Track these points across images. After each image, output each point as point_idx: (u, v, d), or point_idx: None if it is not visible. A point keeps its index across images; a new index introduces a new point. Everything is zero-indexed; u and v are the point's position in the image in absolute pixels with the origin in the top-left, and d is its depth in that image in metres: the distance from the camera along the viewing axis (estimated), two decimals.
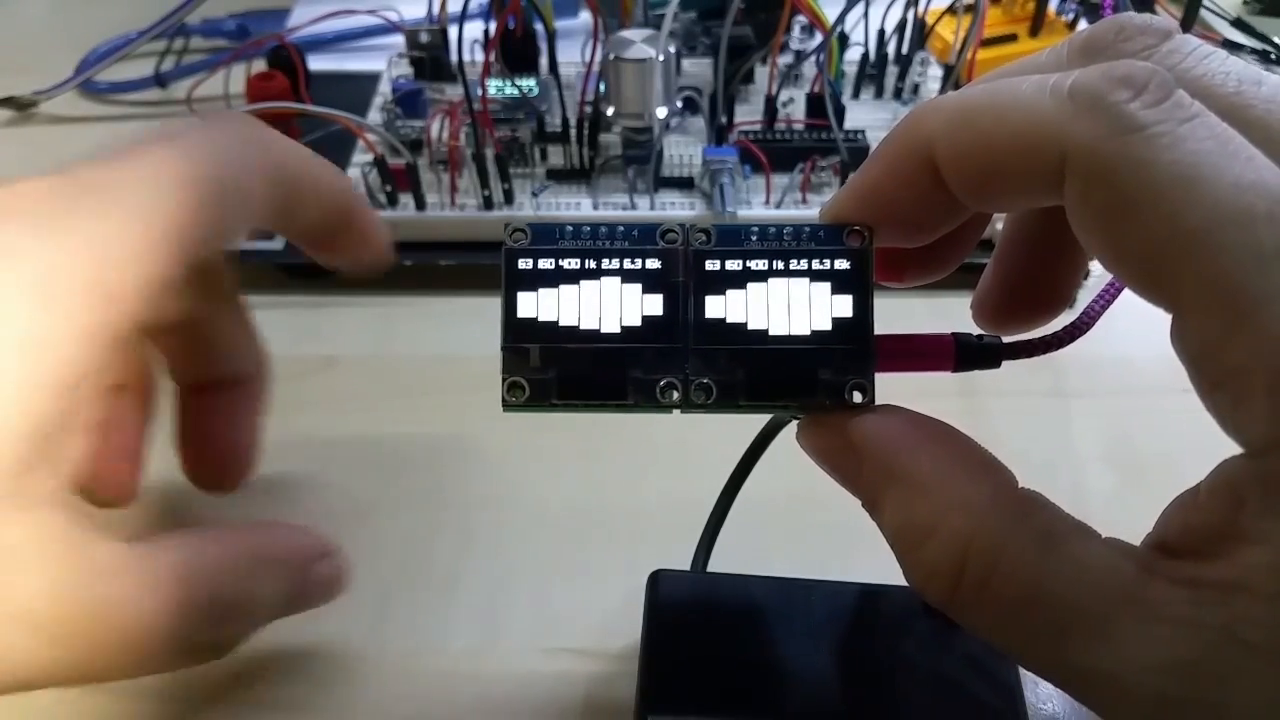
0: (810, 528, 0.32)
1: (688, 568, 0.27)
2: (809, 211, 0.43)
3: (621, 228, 0.19)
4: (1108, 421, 0.36)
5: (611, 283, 0.19)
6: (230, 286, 0.26)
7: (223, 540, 0.22)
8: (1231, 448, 0.15)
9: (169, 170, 0.20)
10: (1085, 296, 0.21)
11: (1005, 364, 0.20)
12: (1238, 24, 0.56)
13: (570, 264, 0.19)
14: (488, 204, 0.42)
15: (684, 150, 0.45)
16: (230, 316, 0.27)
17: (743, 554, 0.27)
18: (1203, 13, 0.53)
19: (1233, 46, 0.55)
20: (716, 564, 0.27)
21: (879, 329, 0.19)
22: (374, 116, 0.47)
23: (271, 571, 0.23)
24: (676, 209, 0.43)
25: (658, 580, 0.27)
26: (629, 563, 0.28)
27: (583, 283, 0.19)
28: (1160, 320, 0.15)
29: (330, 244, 0.26)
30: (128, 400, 0.26)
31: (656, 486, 0.34)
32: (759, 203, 0.43)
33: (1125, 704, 0.15)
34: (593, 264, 0.19)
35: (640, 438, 0.35)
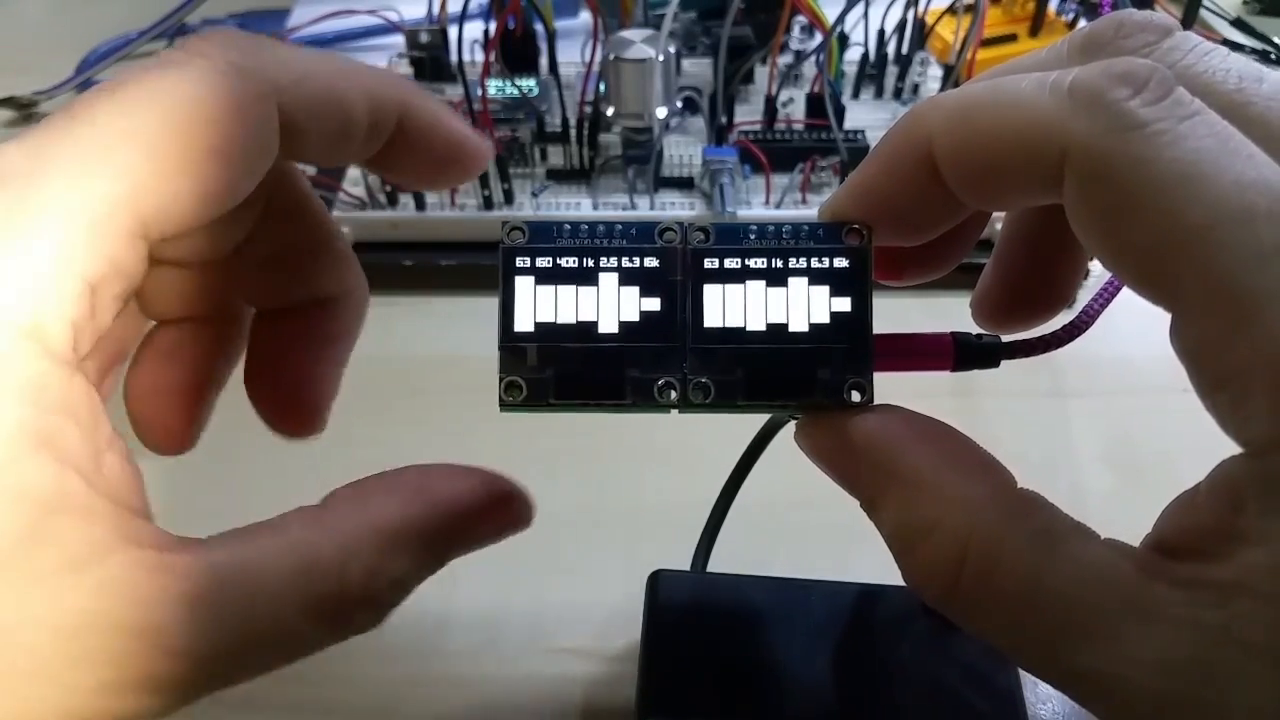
0: (809, 528, 0.32)
1: (687, 568, 0.27)
2: (809, 211, 0.43)
3: (620, 226, 0.19)
4: (1107, 421, 0.36)
5: (609, 281, 0.18)
6: (297, 205, 0.22)
7: (333, 528, 0.18)
8: (1232, 447, 0.15)
9: (118, 137, 0.16)
10: (1084, 296, 0.21)
11: (1004, 363, 0.20)
12: (1237, 24, 0.56)
13: (568, 263, 0.19)
14: (488, 204, 0.43)
15: (684, 150, 0.45)
16: (302, 235, 0.22)
17: (742, 554, 0.27)
18: (1202, 12, 0.53)
19: (1232, 46, 0.54)
20: (716, 564, 0.27)
21: (877, 328, 0.19)
22: None
23: (400, 549, 0.18)
24: (676, 209, 0.43)
25: (658, 580, 0.27)
26: (629, 563, 0.28)
27: (580, 281, 0.19)
28: (1160, 320, 0.15)
29: (396, 159, 0.21)
30: (195, 334, 0.22)
31: (656, 486, 0.34)
32: (759, 203, 0.43)
33: (1123, 704, 0.15)
34: (591, 263, 0.19)
35: (640, 438, 0.35)
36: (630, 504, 0.34)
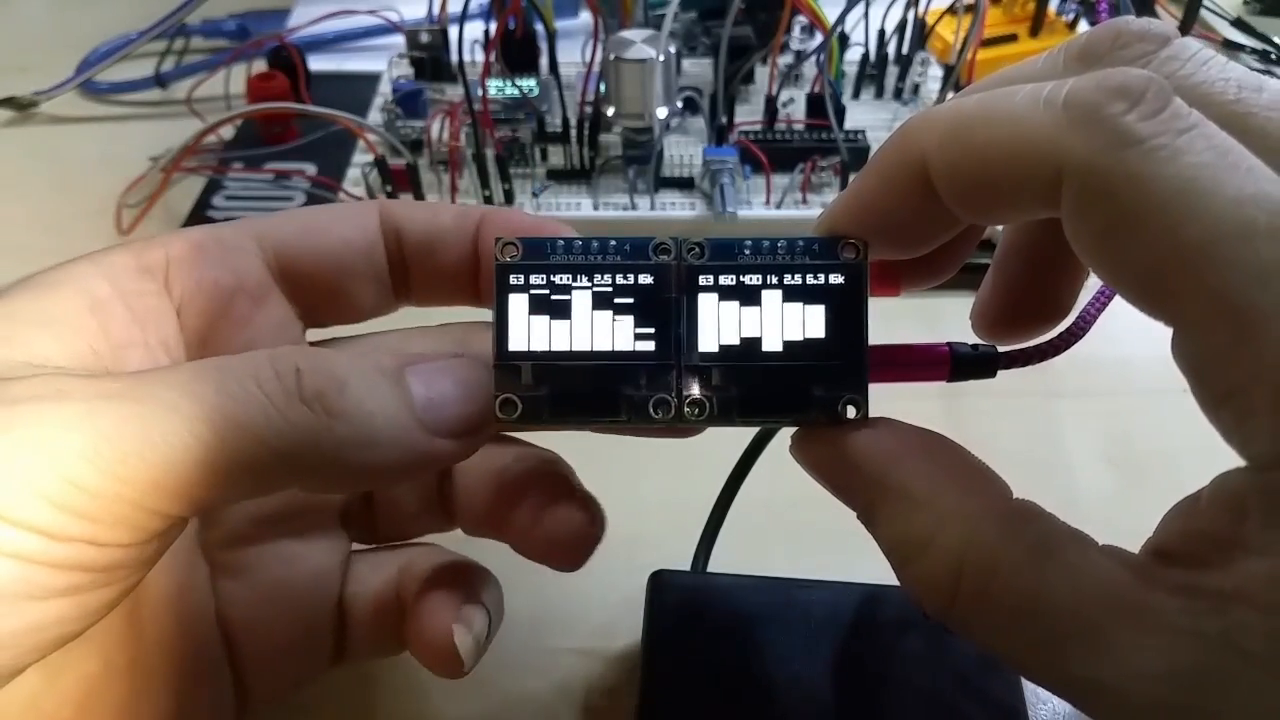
0: (809, 528, 0.32)
1: (688, 568, 0.27)
2: (809, 212, 0.43)
3: (614, 242, 0.19)
4: (1105, 422, 0.36)
5: (604, 299, 0.18)
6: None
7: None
8: (1231, 451, 0.15)
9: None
10: (1078, 303, 0.21)
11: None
12: (1238, 24, 0.56)
13: (562, 279, 0.18)
14: (488, 204, 0.42)
15: (684, 150, 0.45)
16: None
17: (742, 554, 0.27)
18: (1203, 13, 0.53)
19: (1233, 46, 0.55)
20: (716, 564, 0.27)
21: (871, 333, 0.18)
22: (374, 117, 0.47)
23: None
24: (677, 209, 0.43)
25: (658, 580, 0.27)
26: (629, 563, 0.28)
27: (575, 298, 0.18)
28: (1157, 322, 0.15)
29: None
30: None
31: (656, 486, 0.34)
32: (759, 203, 0.43)
33: (1124, 712, 0.15)
34: (585, 280, 0.18)
35: (640, 439, 0.35)
36: (630, 504, 0.34)
